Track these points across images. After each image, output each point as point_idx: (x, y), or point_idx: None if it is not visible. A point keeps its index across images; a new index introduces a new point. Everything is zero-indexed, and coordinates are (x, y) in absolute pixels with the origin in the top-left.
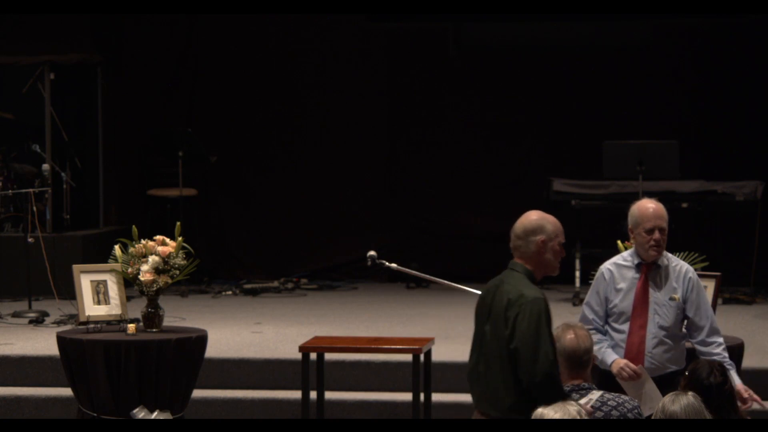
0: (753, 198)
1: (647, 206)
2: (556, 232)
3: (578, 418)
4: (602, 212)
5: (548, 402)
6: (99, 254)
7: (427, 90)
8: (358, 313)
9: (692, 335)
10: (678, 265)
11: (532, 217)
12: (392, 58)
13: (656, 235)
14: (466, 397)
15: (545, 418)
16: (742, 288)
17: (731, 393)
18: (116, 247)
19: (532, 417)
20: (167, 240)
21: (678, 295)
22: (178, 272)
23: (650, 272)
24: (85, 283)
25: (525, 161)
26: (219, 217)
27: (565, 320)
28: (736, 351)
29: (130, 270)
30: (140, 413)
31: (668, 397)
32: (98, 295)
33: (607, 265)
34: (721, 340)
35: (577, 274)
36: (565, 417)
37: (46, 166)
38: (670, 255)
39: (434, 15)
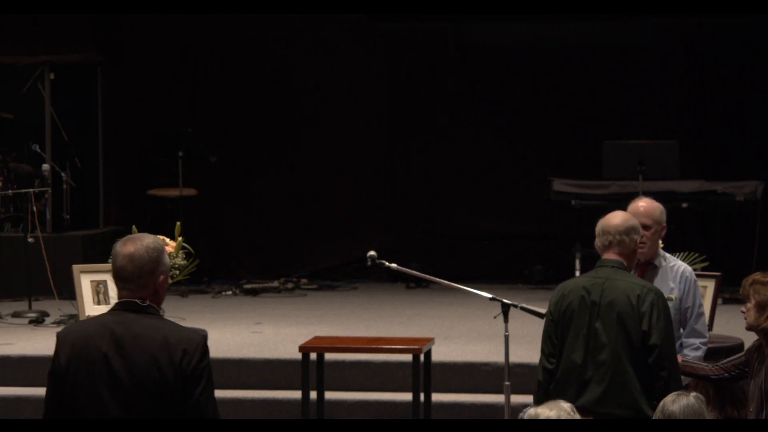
0: (753, 198)
1: (638, 204)
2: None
3: (572, 415)
4: (602, 212)
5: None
6: (99, 254)
7: (427, 90)
8: (359, 313)
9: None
10: (676, 265)
11: (627, 215)
12: (392, 58)
13: (641, 232)
14: (466, 397)
15: (540, 417)
16: None
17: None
18: None
19: (526, 416)
20: (167, 240)
21: (675, 295)
22: (178, 272)
23: (647, 272)
24: (85, 283)
25: (525, 161)
26: (219, 217)
27: None
28: (735, 351)
29: None
30: None
31: (669, 397)
32: (98, 295)
33: None
34: (697, 342)
35: (577, 274)
36: (561, 415)
37: (46, 166)
38: (668, 255)
39: (434, 15)
